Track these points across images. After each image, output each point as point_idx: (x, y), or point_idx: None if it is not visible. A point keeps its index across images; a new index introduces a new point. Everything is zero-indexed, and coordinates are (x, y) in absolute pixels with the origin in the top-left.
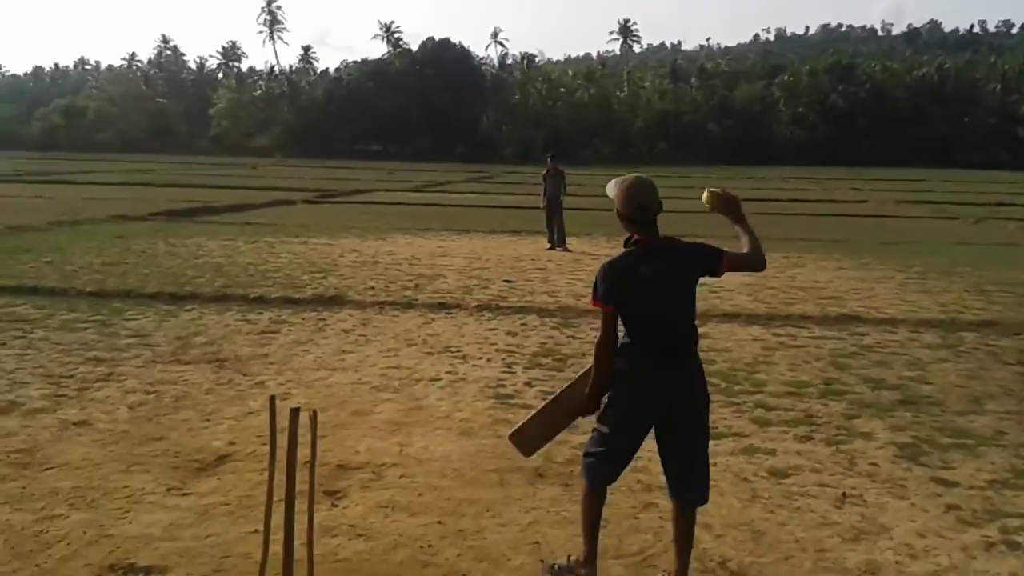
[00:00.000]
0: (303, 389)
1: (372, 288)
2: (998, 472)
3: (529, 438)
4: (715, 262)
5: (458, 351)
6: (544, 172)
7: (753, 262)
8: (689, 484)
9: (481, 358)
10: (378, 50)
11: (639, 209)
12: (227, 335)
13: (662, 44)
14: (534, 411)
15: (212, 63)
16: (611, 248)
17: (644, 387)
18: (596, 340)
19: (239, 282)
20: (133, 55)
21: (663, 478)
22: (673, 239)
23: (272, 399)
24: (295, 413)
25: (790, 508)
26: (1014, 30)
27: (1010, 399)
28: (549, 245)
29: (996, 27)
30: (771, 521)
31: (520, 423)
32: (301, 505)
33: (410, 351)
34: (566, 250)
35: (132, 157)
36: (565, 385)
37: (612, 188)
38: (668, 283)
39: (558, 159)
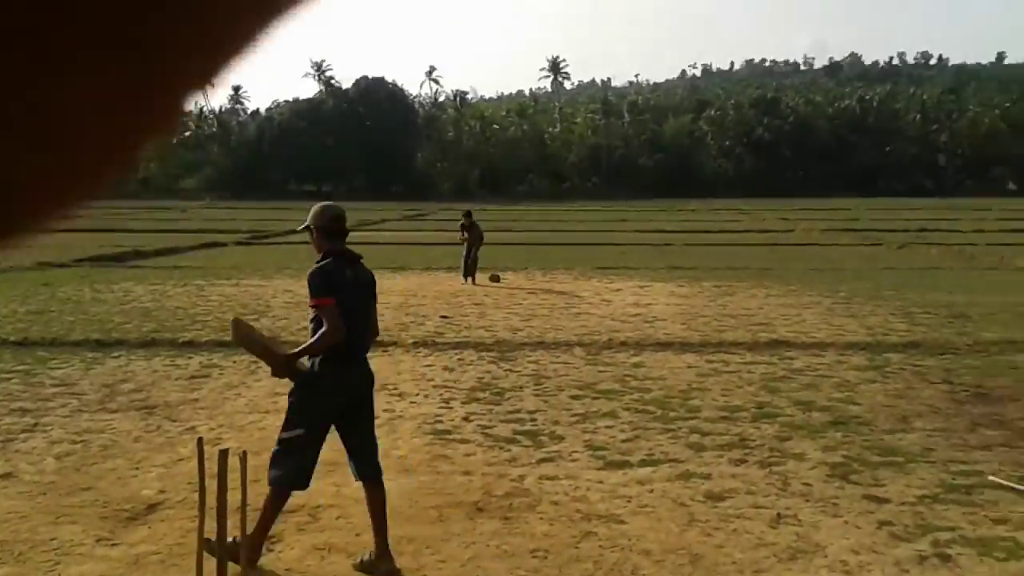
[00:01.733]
0: (235, 433)
1: (306, 328)
2: (928, 487)
3: (245, 336)
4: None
5: (395, 388)
6: (461, 224)
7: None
8: (370, 462)
9: (418, 394)
10: (310, 88)
11: (334, 219)
12: (156, 381)
13: (592, 80)
14: (266, 336)
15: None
16: (546, 281)
17: (345, 379)
18: (326, 331)
19: (168, 327)
20: None
21: (602, 506)
22: (359, 257)
23: (200, 441)
24: (223, 455)
25: (727, 531)
26: (932, 61)
27: (937, 417)
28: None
29: (915, 59)
30: (708, 544)
31: (250, 326)
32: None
33: None
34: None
35: None
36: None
37: (312, 212)
38: (364, 284)
39: (471, 217)
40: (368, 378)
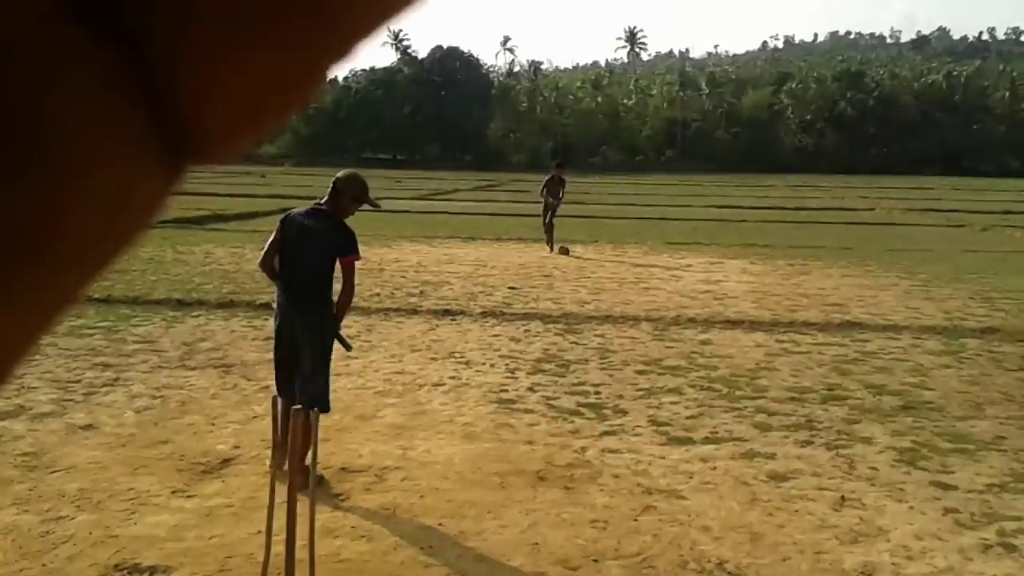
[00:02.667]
0: None
1: (377, 295)
2: (997, 476)
3: None
4: (342, 253)
5: (462, 357)
6: (548, 178)
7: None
8: (303, 391)
9: (484, 364)
10: (386, 58)
11: (333, 188)
12: (233, 341)
13: (669, 52)
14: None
15: None
16: (616, 255)
17: (282, 312)
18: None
19: (246, 289)
20: None
21: (663, 481)
22: (337, 216)
23: (274, 399)
24: (297, 414)
25: (789, 511)
26: (1023, 37)
27: (1011, 404)
28: (549, 250)
29: (1005, 34)
30: (770, 524)
31: None
32: (303, 507)
33: (414, 356)
34: (564, 252)
35: None
36: None
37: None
38: (313, 237)
39: (564, 168)
40: (306, 316)
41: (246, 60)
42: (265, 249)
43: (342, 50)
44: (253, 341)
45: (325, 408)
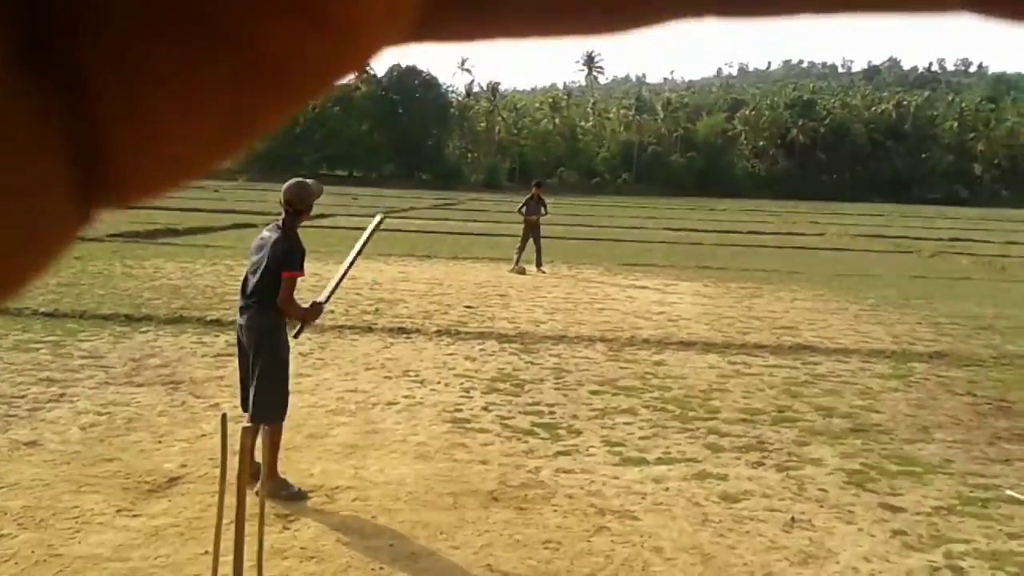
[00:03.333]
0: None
1: (331, 312)
2: (944, 499)
3: None
4: (282, 266)
5: (416, 375)
6: (527, 197)
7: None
8: (254, 405)
9: (439, 383)
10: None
11: (285, 201)
12: (182, 357)
13: (626, 76)
14: None
15: None
16: (572, 275)
17: (239, 325)
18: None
19: (196, 304)
20: None
21: (616, 502)
22: (289, 231)
23: (224, 417)
24: (246, 431)
25: (740, 532)
26: (972, 68)
27: (958, 428)
28: (518, 269)
29: (955, 65)
30: (721, 545)
31: None
32: (252, 527)
33: (368, 375)
34: (542, 272)
35: None
36: None
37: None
38: (263, 250)
39: (542, 188)
40: (248, 330)
41: (186, 122)
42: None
43: (281, 116)
44: (202, 358)
45: (268, 420)
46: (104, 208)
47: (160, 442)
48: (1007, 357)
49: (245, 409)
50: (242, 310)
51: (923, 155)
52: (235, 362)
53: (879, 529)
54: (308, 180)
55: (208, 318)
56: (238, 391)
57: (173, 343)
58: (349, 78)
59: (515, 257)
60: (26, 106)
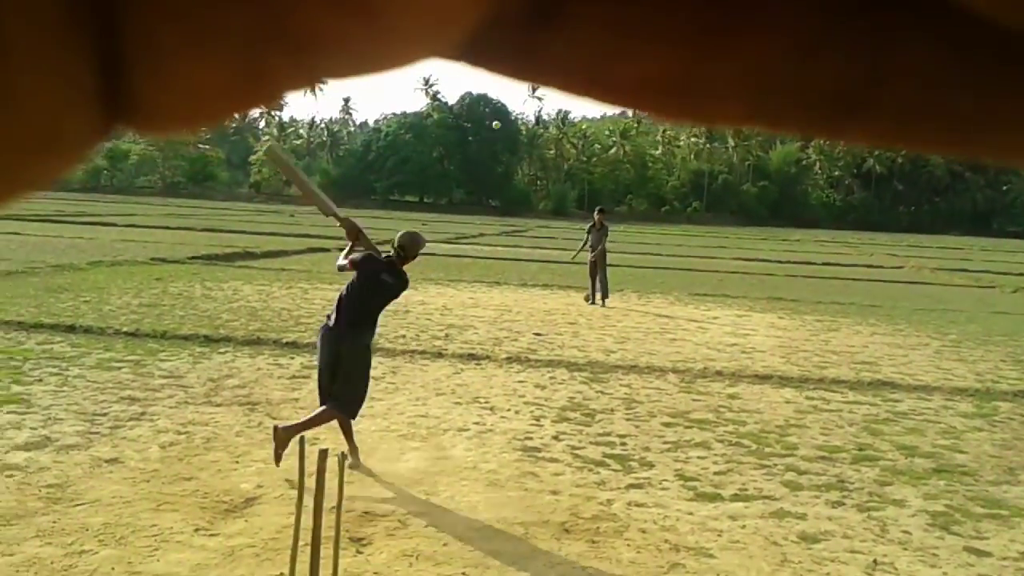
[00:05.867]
0: (332, 434)
1: (403, 336)
2: None
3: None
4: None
5: (486, 402)
6: (590, 225)
7: None
8: (339, 399)
9: (509, 410)
10: (417, 103)
11: (400, 248)
12: (259, 379)
13: None
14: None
15: (255, 112)
16: (641, 304)
17: (329, 338)
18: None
19: (273, 327)
20: None
21: (691, 538)
22: (403, 273)
23: (302, 439)
24: (323, 454)
25: (820, 574)
26: None
27: None
28: (590, 300)
29: None
30: None
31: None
32: (326, 550)
33: (438, 400)
34: (603, 304)
35: (173, 201)
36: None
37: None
38: (389, 286)
39: (605, 214)
40: (354, 345)
41: (200, 64)
42: (348, 260)
43: (296, 85)
44: (278, 379)
45: (355, 415)
46: (121, 127)
47: (237, 462)
48: None
49: (321, 401)
50: (353, 325)
51: (1004, 187)
52: (309, 385)
53: (964, 573)
54: (418, 232)
55: (284, 340)
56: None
57: (250, 364)
58: (382, 73)
59: (590, 286)
60: (60, 7)
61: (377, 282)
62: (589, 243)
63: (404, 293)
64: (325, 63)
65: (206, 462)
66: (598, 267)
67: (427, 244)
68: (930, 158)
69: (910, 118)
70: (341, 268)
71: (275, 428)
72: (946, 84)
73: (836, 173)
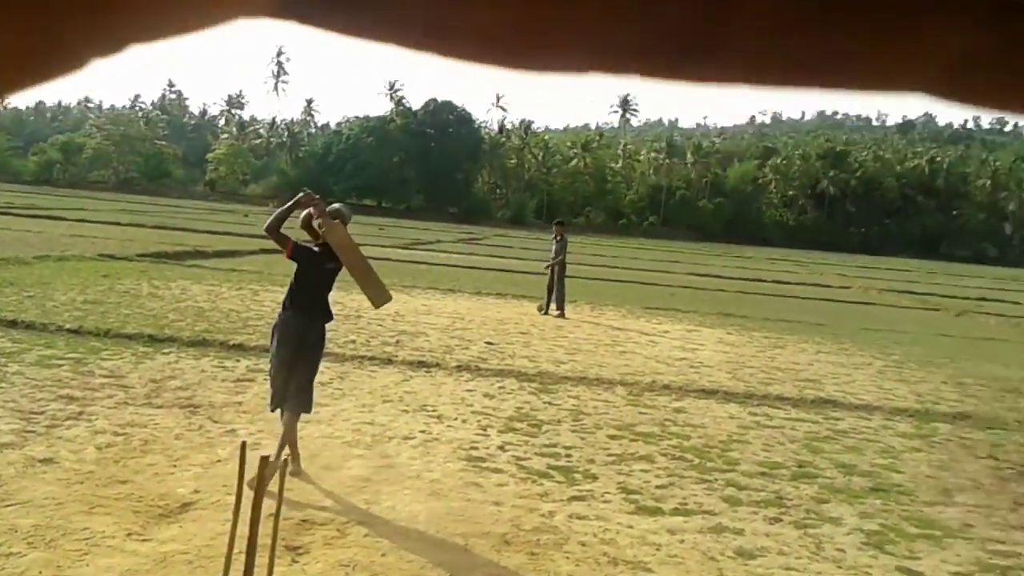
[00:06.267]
0: (274, 440)
1: (352, 342)
2: (964, 565)
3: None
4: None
5: (434, 411)
6: (554, 236)
7: None
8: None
9: (456, 419)
10: (381, 108)
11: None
12: (202, 381)
13: (659, 120)
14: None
15: (215, 110)
16: (594, 316)
17: (290, 330)
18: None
19: (220, 328)
20: (137, 97)
21: (630, 552)
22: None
23: (243, 445)
24: (264, 461)
25: None
26: (1007, 128)
27: (979, 492)
28: (543, 310)
29: (990, 124)
30: None
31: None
32: (262, 559)
33: (385, 408)
34: (561, 315)
35: (126, 197)
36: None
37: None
38: (331, 269)
39: (564, 227)
40: (314, 332)
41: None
42: (280, 232)
43: (101, 34)
44: (222, 382)
45: (310, 410)
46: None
47: (175, 466)
48: None
49: (272, 408)
50: (310, 313)
51: (954, 212)
52: (254, 388)
53: None
54: (340, 206)
55: (231, 342)
56: (268, 401)
57: (194, 366)
58: (194, 33)
59: (545, 296)
60: None
61: (319, 270)
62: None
63: (355, 290)
64: (128, 27)
65: (143, 465)
66: (556, 278)
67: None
68: (883, 181)
69: (755, 58)
70: (273, 227)
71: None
72: (788, 22)
73: (791, 193)
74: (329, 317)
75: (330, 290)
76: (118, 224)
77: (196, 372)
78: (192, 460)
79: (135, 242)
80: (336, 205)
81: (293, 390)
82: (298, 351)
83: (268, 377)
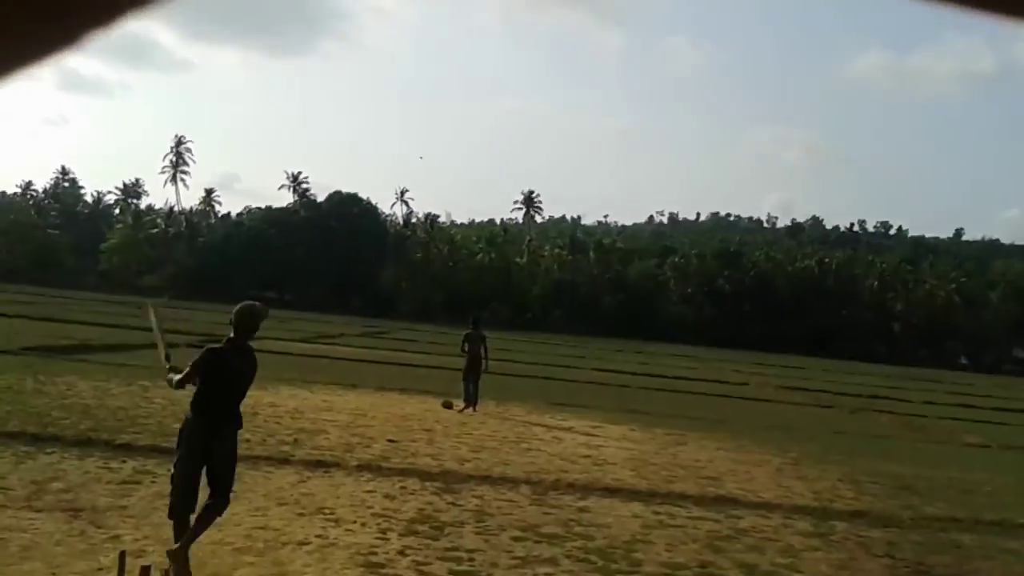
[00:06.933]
0: (160, 547)
1: (248, 441)
2: None
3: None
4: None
5: (331, 513)
6: (466, 332)
7: None
8: (218, 491)
9: (355, 522)
10: (283, 200)
11: (237, 315)
12: (86, 483)
13: (563, 217)
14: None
15: (110, 198)
16: (499, 412)
17: (204, 432)
18: (180, 379)
19: (106, 426)
20: (29, 184)
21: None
22: (251, 349)
23: (122, 555)
24: (145, 571)
25: None
26: (891, 231)
27: None
28: (463, 405)
29: (875, 227)
30: None
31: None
32: None
33: (280, 511)
34: (474, 410)
35: (12, 286)
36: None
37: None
38: (239, 374)
39: (480, 323)
40: (227, 436)
41: None
42: (187, 378)
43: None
44: (107, 484)
45: (227, 501)
46: None
47: (53, 574)
48: (925, 519)
49: (193, 510)
50: (219, 417)
51: (843, 311)
52: (140, 491)
53: None
54: (254, 303)
55: (117, 441)
56: (181, 501)
57: (78, 467)
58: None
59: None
60: None
61: (228, 373)
62: (466, 349)
63: (252, 386)
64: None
65: (22, 572)
66: (471, 373)
67: (266, 323)
68: (775, 281)
69: None
70: (180, 385)
71: (169, 552)
72: None
73: (689, 291)
74: (234, 425)
75: (243, 396)
76: (3, 316)
77: (80, 473)
78: (73, 568)
79: (21, 335)
80: (249, 303)
81: (221, 487)
82: (209, 455)
83: (171, 482)
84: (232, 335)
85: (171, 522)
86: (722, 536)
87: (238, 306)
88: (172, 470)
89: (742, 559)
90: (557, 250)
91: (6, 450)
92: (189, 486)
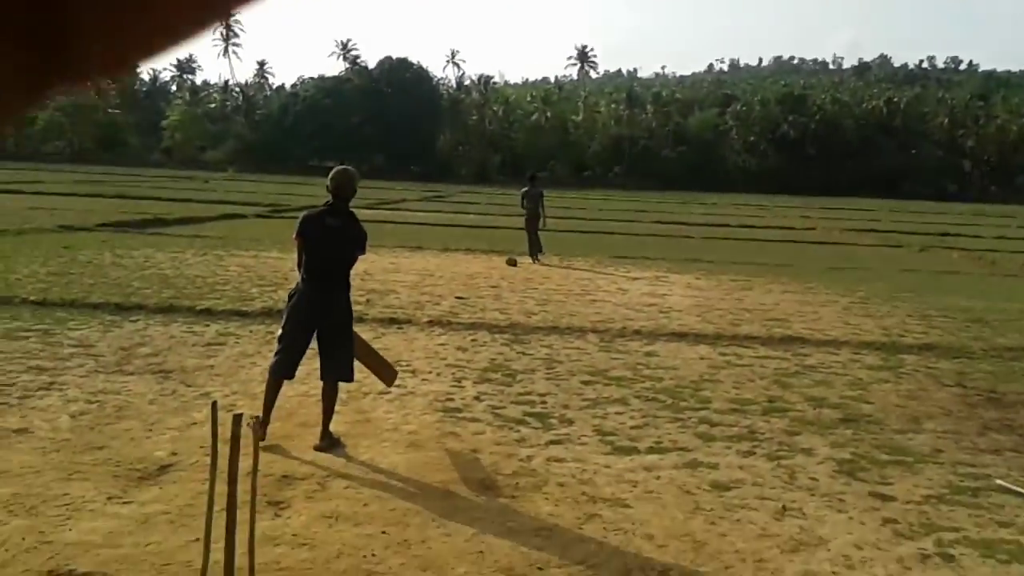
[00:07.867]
0: (248, 400)
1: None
2: (935, 488)
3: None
4: (359, 251)
5: (408, 365)
6: (523, 190)
7: None
8: (332, 371)
9: (430, 372)
10: (335, 68)
11: (331, 180)
12: (172, 346)
13: (619, 71)
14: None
15: (166, 75)
16: (563, 267)
17: (311, 299)
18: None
19: (186, 294)
20: None
21: (608, 490)
22: (352, 214)
23: (214, 405)
24: (237, 419)
25: (731, 520)
26: (962, 66)
27: (948, 419)
28: (532, 260)
29: (944, 63)
30: (712, 532)
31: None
32: (243, 515)
33: (358, 365)
34: (535, 260)
35: (82, 168)
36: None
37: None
38: (338, 233)
39: (537, 181)
40: (335, 303)
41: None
42: (296, 249)
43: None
44: (192, 347)
45: (350, 378)
46: (57, 87)
47: (150, 430)
48: (996, 349)
49: (290, 376)
50: (325, 282)
51: (913, 151)
52: (225, 351)
53: (869, 517)
54: (345, 168)
55: (199, 307)
56: (282, 362)
57: (163, 332)
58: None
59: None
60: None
61: (325, 233)
62: (525, 205)
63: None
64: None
65: (118, 430)
66: (531, 228)
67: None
68: (842, 123)
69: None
70: (298, 264)
71: (316, 447)
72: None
73: (752, 139)
74: (346, 290)
75: (351, 264)
76: (76, 195)
77: (165, 338)
78: (167, 424)
79: (94, 212)
80: (343, 167)
81: (337, 358)
82: (323, 323)
83: (278, 342)
84: (331, 200)
85: (260, 379)
86: (790, 373)
87: (333, 170)
88: (280, 330)
89: (810, 393)
90: (614, 105)
91: (92, 320)
92: (292, 351)
